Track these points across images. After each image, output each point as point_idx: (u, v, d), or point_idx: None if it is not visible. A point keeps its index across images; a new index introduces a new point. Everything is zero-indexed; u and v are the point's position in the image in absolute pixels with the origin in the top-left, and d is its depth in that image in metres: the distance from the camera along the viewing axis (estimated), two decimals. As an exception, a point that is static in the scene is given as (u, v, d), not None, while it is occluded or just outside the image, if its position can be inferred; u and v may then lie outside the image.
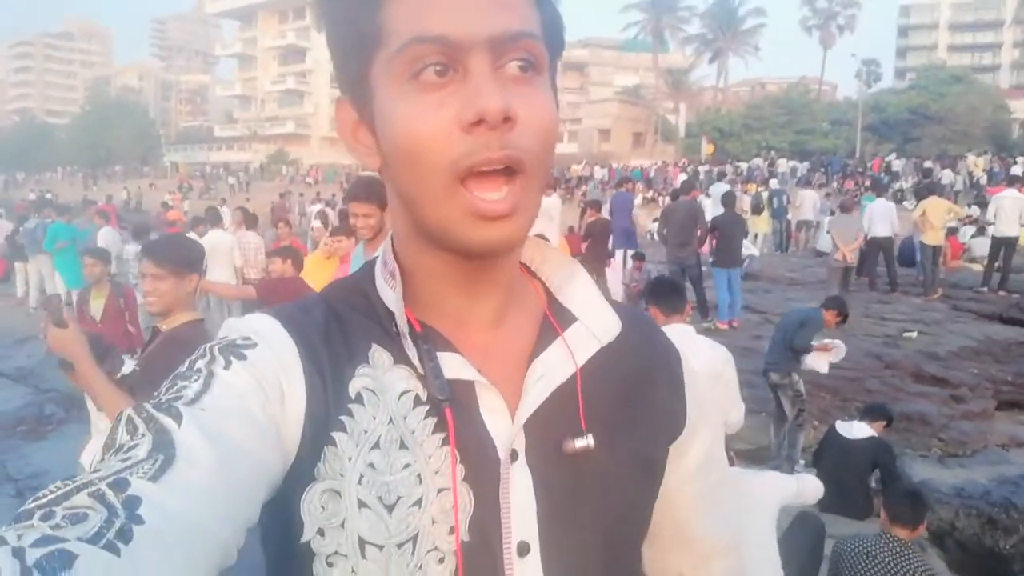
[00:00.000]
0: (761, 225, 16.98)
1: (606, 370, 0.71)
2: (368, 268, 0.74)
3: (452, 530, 0.62)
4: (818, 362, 5.85)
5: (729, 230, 9.55)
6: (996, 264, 11.20)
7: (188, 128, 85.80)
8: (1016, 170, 22.99)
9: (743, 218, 12.08)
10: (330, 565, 0.61)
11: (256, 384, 0.61)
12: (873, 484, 4.90)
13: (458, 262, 0.66)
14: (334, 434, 0.63)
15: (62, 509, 0.45)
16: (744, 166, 33.32)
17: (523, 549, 0.64)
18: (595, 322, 0.72)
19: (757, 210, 16.94)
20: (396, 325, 0.67)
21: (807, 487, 2.77)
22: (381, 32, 0.61)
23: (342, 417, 0.63)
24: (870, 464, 4.89)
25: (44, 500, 0.46)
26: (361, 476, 0.62)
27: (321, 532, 0.61)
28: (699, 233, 9.43)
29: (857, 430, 4.96)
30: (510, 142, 0.59)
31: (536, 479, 0.66)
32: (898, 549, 3.18)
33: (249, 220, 9.88)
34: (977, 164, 28.92)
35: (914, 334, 8.97)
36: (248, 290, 6.40)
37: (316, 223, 11.82)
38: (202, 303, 9.33)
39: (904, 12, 73.05)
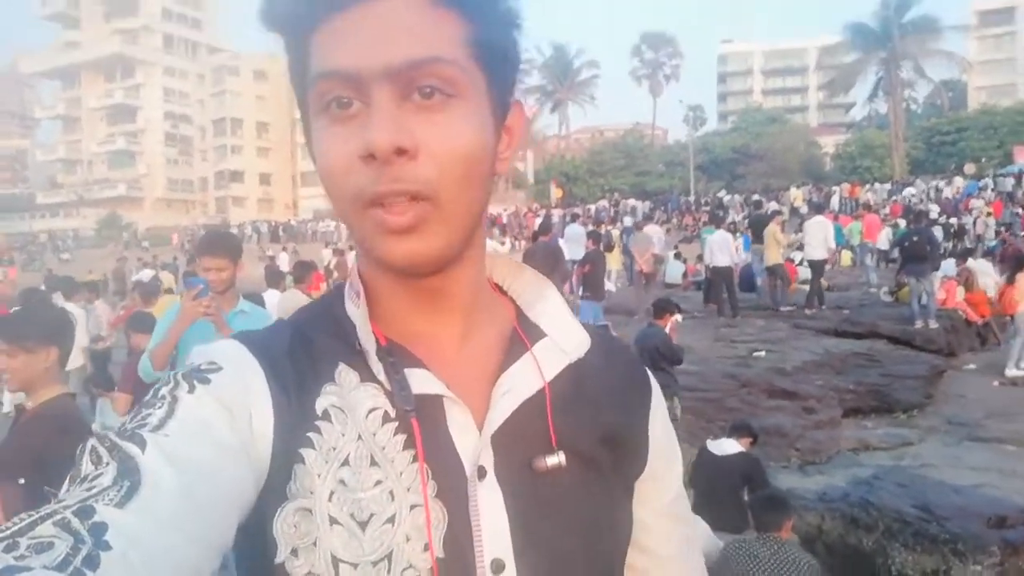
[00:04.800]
0: (613, 262, 17.68)
1: (577, 386, 0.70)
2: (338, 290, 0.73)
3: (426, 547, 0.61)
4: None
5: (599, 264, 10.18)
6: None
7: (5, 196, 79.13)
8: (835, 200, 25.15)
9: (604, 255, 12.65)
10: None
11: (221, 406, 0.59)
12: (746, 498, 5.10)
13: (403, 280, 0.66)
14: (302, 451, 0.62)
15: (26, 539, 0.44)
16: (592, 207, 34.72)
17: (497, 567, 0.63)
18: (564, 337, 0.72)
19: (608, 247, 17.66)
20: (359, 342, 0.66)
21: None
22: (307, 68, 0.63)
23: (309, 434, 0.62)
24: (741, 479, 5.10)
25: (7, 532, 0.45)
26: (332, 493, 0.61)
27: (295, 552, 0.60)
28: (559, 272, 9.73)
29: (727, 446, 5.17)
30: (407, 175, 0.59)
31: (507, 495, 0.64)
32: (775, 547, 3.43)
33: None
34: (797, 196, 31.61)
35: (763, 353, 9.55)
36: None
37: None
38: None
39: (722, 60, 79.49)
